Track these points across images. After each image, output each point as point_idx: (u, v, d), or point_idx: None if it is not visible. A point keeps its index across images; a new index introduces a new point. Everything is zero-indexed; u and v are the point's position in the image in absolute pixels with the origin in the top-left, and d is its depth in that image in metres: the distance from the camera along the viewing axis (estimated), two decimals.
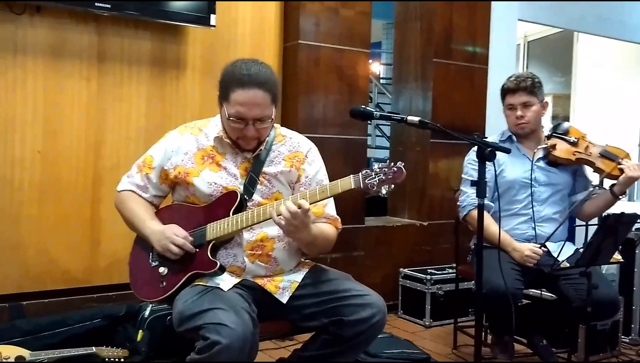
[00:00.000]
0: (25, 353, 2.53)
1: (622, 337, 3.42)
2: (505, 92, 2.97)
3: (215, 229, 2.09)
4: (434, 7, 4.28)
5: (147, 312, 2.81)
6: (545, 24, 5.83)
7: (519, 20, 5.10)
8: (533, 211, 2.90)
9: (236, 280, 2.11)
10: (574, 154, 2.87)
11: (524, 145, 3.00)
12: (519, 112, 2.92)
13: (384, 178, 1.90)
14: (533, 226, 2.90)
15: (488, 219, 2.82)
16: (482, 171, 2.12)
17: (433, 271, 3.96)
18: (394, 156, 4.65)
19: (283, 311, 2.16)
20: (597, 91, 6.74)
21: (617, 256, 2.81)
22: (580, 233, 3.39)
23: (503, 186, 2.91)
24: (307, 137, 2.36)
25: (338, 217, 2.29)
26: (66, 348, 2.64)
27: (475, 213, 2.57)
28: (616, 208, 2.75)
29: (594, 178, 2.91)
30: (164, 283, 2.12)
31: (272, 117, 2.13)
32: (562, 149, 2.90)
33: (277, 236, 2.17)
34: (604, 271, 3.23)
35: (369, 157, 7.23)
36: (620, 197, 2.81)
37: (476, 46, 4.43)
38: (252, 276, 2.16)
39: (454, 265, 3.51)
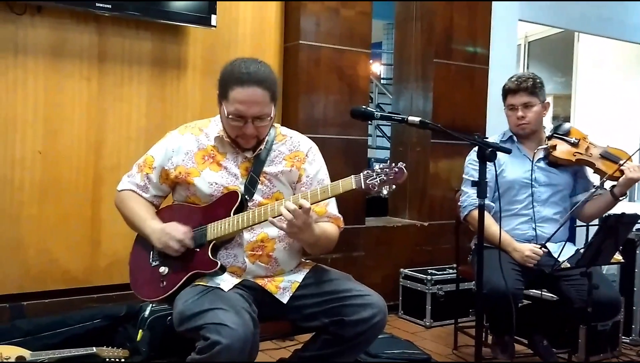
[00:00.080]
0: (26, 353, 2.53)
1: (623, 337, 3.42)
2: (507, 92, 2.97)
3: (216, 229, 2.09)
4: (435, 7, 4.28)
5: (147, 312, 2.81)
6: (545, 24, 5.83)
7: (520, 20, 5.10)
8: (533, 211, 2.90)
9: (237, 280, 2.11)
10: (574, 155, 2.87)
11: (525, 145, 3.00)
12: (519, 113, 2.92)
13: (385, 178, 1.90)
14: (533, 226, 2.90)
15: (489, 219, 2.82)
16: (482, 171, 2.12)
17: (433, 271, 3.96)
18: (395, 156, 4.65)
19: (284, 311, 2.16)
20: (598, 91, 6.74)
21: (617, 257, 2.80)
22: (580, 233, 3.39)
23: (503, 186, 2.91)
24: (307, 137, 2.36)
25: (340, 216, 2.29)
26: (66, 348, 2.64)
27: (476, 213, 2.56)
28: (617, 209, 2.75)
29: (595, 179, 2.90)
30: (165, 283, 2.12)
31: (272, 115, 2.13)
32: (562, 150, 2.89)
33: (278, 237, 2.17)
34: (604, 272, 3.22)
35: (370, 157, 7.22)
36: (620, 198, 2.80)
37: (477, 46, 4.43)
38: (253, 276, 2.16)
39: (455, 265, 3.51)
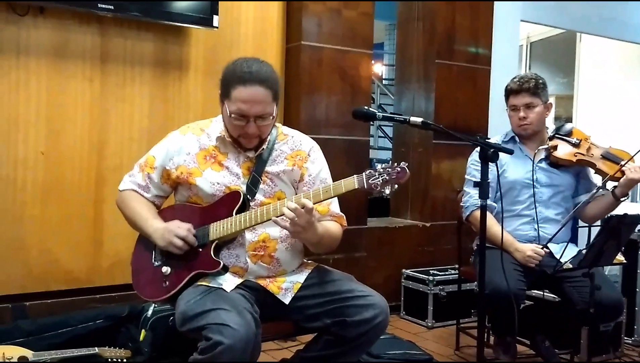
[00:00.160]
0: (28, 353, 2.54)
1: (625, 338, 3.42)
2: (509, 93, 2.97)
3: (218, 229, 2.09)
4: (437, 8, 4.28)
5: (149, 312, 2.81)
6: (547, 24, 5.83)
7: (522, 21, 5.09)
8: (535, 212, 2.90)
9: (239, 281, 2.11)
10: (575, 156, 2.87)
11: (527, 146, 3.00)
12: (521, 113, 2.92)
13: (387, 178, 1.90)
14: (535, 227, 2.90)
15: (491, 220, 2.82)
16: (484, 172, 2.12)
17: (435, 272, 3.96)
18: (397, 157, 4.65)
19: (285, 312, 2.16)
20: (600, 91, 6.73)
21: (619, 258, 2.80)
22: (583, 234, 3.39)
23: (505, 186, 2.90)
24: (309, 138, 2.36)
25: (343, 214, 2.29)
26: (69, 348, 2.64)
27: (478, 213, 2.56)
28: (619, 210, 2.75)
29: (597, 180, 2.90)
30: (167, 283, 2.12)
31: (274, 114, 2.13)
32: (563, 151, 2.89)
33: (280, 237, 2.18)
34: (606, 273, 3.22)
35: (372, 158, 7.23)
36: (622, 199, 2.80)
37: (479, 46, 4.43)
38: (255, 276, 2.16)
39: (457, 266, 3.50)
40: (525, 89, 2.90)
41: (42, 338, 2.77)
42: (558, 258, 2.69)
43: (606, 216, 2.77)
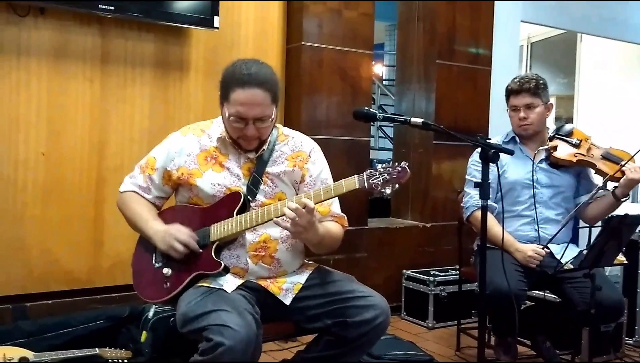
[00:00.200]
0: (29, 354, 2.54)
1: (626, 338, 3.42)
2: (509, 93, 2.97)
3: (219, 230, 2.09)
4: (437, 8, 4.28)
5: (150, 313, 2.81)
6: (548, 25, 5.83)
7: (522, 21, 5.09)
8: (535, 212, 2.90)
9: (240, 282, 2.11)
10: (575, 156, 2.87)
11: (528, 146, 2.99)
12: (522, 114, 2.92)
13: (388, 177, 1.90)
14: (536, 227, 2.89)
15: (491, 220, 2.82)
16: (485, 172, 2.12)
17: (436, 272, 3.96)
18: (397, 157, 4.65)
19: (286, 312, 2.16)
20: (601, 92, 6.73)
21: (620, 258, 2.80)
22: (583, 235, 3.38)
23: (505, 187, 2.90)
24: (310, 138, 2.36)
25: (344, 215, 2.29)
26: (70, 349, 2.64)
27: (478, 214, 2.57)
28: (620, 210, 2.74)
29: (599, 180, 2.89)
30: (168, 284, 2.12)
31: (273, 116, 2.13)
32: (563, 151, 2.89)
33: (280, 238, 2.18)
34: (607, 273, 3.22)
35: (372, 158, 7.22)
36: (622, 199, 2.79)
37: (479, 47, 4.43)
38: (256, 277, 2.16)
39: (457, 266, 3.50)
40: (525, 90, 2.90)
41: (43, 338, 2.77)
42: (559, 258, 2.68)
43: (607, 217, 2.77)
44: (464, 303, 3.76)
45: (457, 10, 4.32)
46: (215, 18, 3.29)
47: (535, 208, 2.90)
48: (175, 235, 2.08)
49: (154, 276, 2.16)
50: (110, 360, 2.64)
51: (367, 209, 4.02)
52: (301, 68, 3.71)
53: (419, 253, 4.20)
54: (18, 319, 2.88)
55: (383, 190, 1.91)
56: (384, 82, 9.94)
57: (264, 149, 2.19)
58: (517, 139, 3.01)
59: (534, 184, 2.91)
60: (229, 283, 2.08)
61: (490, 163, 2.11)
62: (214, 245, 2.09)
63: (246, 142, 2.15)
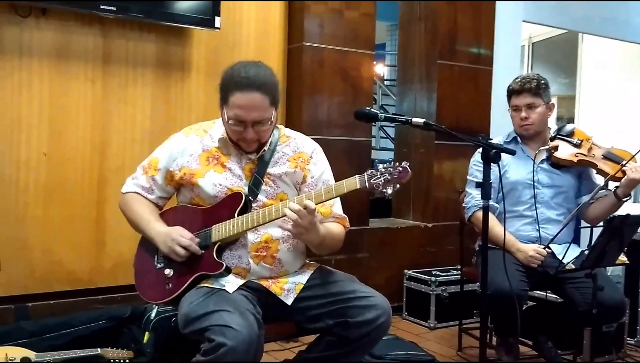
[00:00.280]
0: (31, 354, 2.54)
1: (628, 338, 3.41)
2: (511, 93, 2.97)
3: (220, 230, 2.09)
4: (439, 8, 4.28)
5: (152, 314, 2.81)
6: (549, 25, 5.82)
7: (524, 21, 5.09)
8: (537, 212, 2.89)
9: (241, 282, 2.11)
10: (576, 156, 2.86)
11: (529, 146, 2.99)
12: (523, 114, 2.92)
13: (389, 177, 1.90)
14: (537, 228, 2.89)
15: (493, 220, 2.82)
16: (487, 172, 2.12)
17: (438, 272, 3.96)
18: (399, 157, 4.64)
19: (288, 312, 2.16)
20: (602, 92, 6.73)
21: (622, 258, 2.80)
22: (585, 235, 3.38)
23: (506, 187, 2.90)
24: (311, 138, 2.36)
25: (345, 216, 2.29)
26: (71, 349, 2.64)
27: (480, 214, 2.56)
28: (622, 210, 2.74)
29: (600, 180, 2.89)
30: (170, 285, 2.12)
31: (272, 119, 2.13)
32: (564, 151, 2.89)
33: (282, 238, 2.18)
34: (609, 274, 3.22)
35: (373, 158, 7.22)
36: (624, 199, 2.79)
37: (481, 47, 4.42)
38: (257, 277, 2.16)
39: (459, 266, 3.50)
40: (527, 90, 2.90)
41: (45, 339, 2.77)
42: (561, 258, 2.68)
43: (609, 217, 2.76)
44: (465, 304, 3.76)
45: (459, 10, 4.32)
46: (217, 18, 3.29)
47: (537, 208, 2.89)
48: (177, 239, 2.08)
49: (156, 277, 2.16)
50: (112, 361, 2.64)
51: (369, 209, 4.02)
52: (302, 68, 3.71)
53: (420, 253, 4.20)
54: (20, 319, 2.89)
55: (384, 190, 1.91)
56: (385, 83, 9.94)
57: (265, 150, 2.19)
58: (519, 139, 3.01)
59: (535, 184, 2.91)
60: (231, 283, 2.08)
61: (491, 163, 2.11)
62: (216, 246, 2.09)
63: (245, 144, 2.15)
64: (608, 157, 2.85)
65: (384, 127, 8.63)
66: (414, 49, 4.47)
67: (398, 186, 1.92)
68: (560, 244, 2.83)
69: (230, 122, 2.09)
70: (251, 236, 2.14)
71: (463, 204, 3.07)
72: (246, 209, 2.10)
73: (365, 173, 1.93)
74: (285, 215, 1.98)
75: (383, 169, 1.92)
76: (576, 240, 2.99)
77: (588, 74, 6.81)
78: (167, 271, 2.12)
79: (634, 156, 2.78)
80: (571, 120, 6.85)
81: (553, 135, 2.97)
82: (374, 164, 5.80)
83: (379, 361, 2.91)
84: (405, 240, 4.18)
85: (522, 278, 2.68)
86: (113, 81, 3.21)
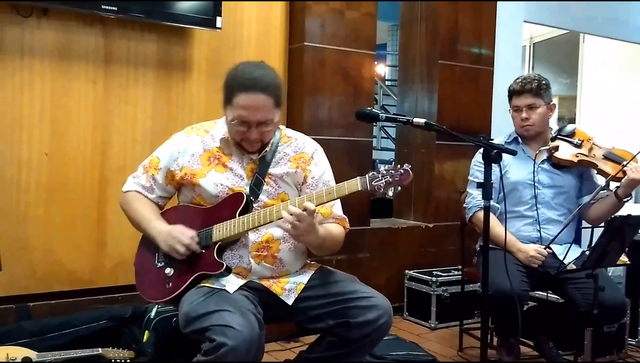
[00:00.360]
0: (32, 354, 2.54)
1: (629, 339, 3.41)
2: (512, 93, 2.97)
3: (221, 230, 2.09)
4: (439, 9, 4.28)
5: (153, 313, 2.81)
6: (550, 25, 5.82)
7: (525, 21, 5.09)
8: (537, 213, 2.89)
9: (242, 282, 2.11)
10: (577, 156, 2.86)
11: (530, 147, 2.99)
12: (524, 114, 2.92)
13: (390, 180, 1.90)
14: (538, 228, 2.89)
15: (494, 220, 2.82)
16: (488, 173, 2.12)
17: (438, 273, 3.96)
18: (400, 158, 4.65)
19: (289, 312, 2.16)
20: (603, 92, 6.72)
21: (623, 259, 2.79)
22: (586, 235, 3.38)
23: (507, 187, 2.90)
24: (312, 138, 2.37)
25: (346, 217, 2.29)
26: (72, 349, 2.65)
27: (481, 214, 2.56)
28: (623, 211, 2.74)
29: (602, 181, 2.89)
30: (170, 284, 2.12)
31: (275, 120, 2.13)
32: (564, 151, 2.89)
33: (283, 238, 2.18)
34: (610, 274, 3.21)
35: (374, 159, 7.23)
36: (624, 200, 2.79)
37: (482, 47, 4.42)
38: (258, 277, 2.16)
39: (460, 267, 3.50)
40: (527, 90, 2.89)
41: (46, 338, 2.77)
42: (561, 259, 2.68)
43: (610, 217, 2.76)
44: (466, 304, 3.76)
45: (460, 10, 4.32)
46: (218, 18, 3.29)
47: (537, 209, 2.89)
48: (178, 237, 2.08)
49: (156, 276, 2.16)
50: (112, 360, 2.64)
51: (370, 209, 4.02)
52: (303, 68, 3.71)
53: (421, 253, 4.20)
54: (21, 319, 2.89)
55: (385, 192, 1.91)
56: (386, 83, 9.95)
57: (266, 150, 2.19)
58: (520, 139, 3.00)
59: (536, 184, 2.91)
60: (232, 283, 2.08)
61: (492, 164, 2.11)
62: (217, 246, 2.09)
63: (248, 144, 2.16)
64: (609, 157, 2.84)
65: (385, 128, 8.64)
66: (415, 49, 4.47)
67: (399, 188, 1.92)
68: (561, 244, 2.83)
69: (234, 122, 2.09)
70: (252, 236, 2.14)
71: (464, 205, 3.07)
72: (247, 209, 2.10)
73: (366, 175, 1.93)
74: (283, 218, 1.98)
75: (384, 171, 1.92)
76: (577, 241, 2.98)
77: (589, 74, 6.80)
78: (168, 270, 2.13)
79: (634, 157, 2.77)
80: (572, 120, 6.84)
81: (554, 135, 2.97)
82: (375, 164, 5.82)
83: (379, 361, 2.90)
84: (406, 240, 4.18)
85: (523, 278, 2.68)
86: (114, 81, 3.22)
